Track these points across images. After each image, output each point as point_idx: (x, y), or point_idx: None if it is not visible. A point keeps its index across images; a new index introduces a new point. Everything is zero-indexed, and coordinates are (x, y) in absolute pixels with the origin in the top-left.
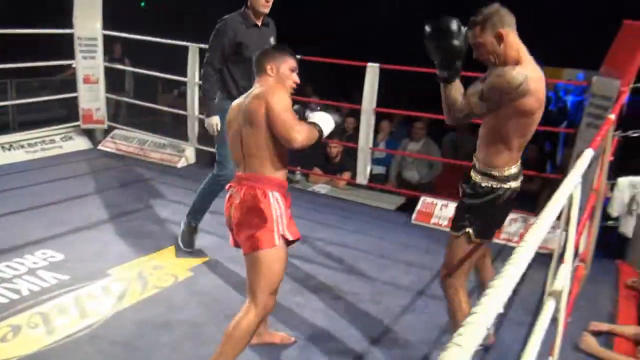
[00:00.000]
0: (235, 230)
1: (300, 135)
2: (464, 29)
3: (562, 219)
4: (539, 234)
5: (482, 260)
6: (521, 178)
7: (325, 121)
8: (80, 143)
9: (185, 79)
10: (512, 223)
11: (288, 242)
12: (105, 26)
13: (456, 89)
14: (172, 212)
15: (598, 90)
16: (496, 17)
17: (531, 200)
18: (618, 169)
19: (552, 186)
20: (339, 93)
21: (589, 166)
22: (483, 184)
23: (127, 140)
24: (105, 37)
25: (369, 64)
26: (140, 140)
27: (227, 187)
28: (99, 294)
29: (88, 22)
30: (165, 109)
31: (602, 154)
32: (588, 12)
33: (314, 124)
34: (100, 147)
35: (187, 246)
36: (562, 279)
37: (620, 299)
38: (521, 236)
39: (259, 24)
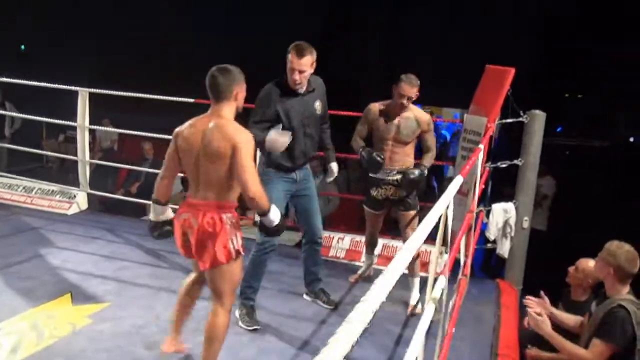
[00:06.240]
0: (195, 252)
1: (258, 191)
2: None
3: (438, 237)
4: (412, 248)
5: None
6: None
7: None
8: None
9: (75, 124)
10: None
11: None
12: None
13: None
14: (63, 260)
15: (469, 126)
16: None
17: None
18: (492, 196)
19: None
20: None
21: (467, 193)
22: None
23: (11, 189)
24: None
25: None
26: (27, 187)
27: (178, 210)
28: None
29: None
30: (53, 154)
31: (475, 180)
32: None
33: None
34: None
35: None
36: (439, 288)
37: (502, 312)
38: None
39: (301, 91)
